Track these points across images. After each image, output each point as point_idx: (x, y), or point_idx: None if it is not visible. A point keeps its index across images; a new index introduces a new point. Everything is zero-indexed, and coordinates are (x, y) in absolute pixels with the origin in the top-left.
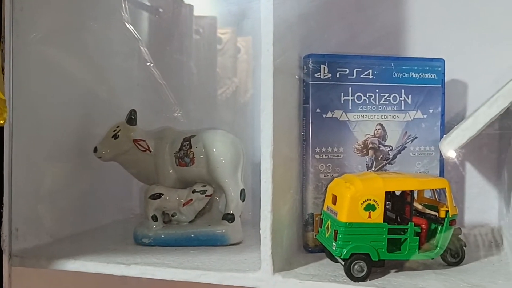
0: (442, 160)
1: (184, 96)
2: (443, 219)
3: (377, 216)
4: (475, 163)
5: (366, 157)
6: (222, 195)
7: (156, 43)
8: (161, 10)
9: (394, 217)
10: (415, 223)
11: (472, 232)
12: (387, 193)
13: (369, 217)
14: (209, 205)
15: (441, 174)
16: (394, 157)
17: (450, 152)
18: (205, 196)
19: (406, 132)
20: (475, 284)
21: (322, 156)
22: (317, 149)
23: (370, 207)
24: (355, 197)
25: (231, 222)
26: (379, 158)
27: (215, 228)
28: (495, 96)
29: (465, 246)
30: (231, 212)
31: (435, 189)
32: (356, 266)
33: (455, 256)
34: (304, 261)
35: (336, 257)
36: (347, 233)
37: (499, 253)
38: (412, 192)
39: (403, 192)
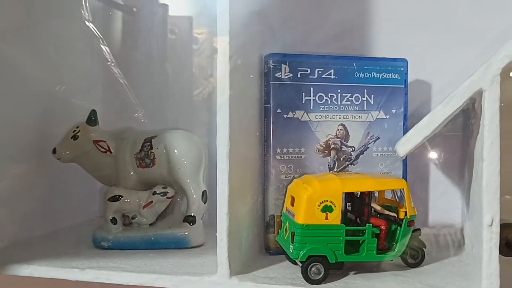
0: (405, 161)
1: (157, 96)
2: (402, 220)
3: (335, 217)
4: (439, 163)
5: (328, 157)
6: (184, 197)
7: (128, 43)
8: (135, 9)
9: (354, 218)
10: (373, 224)
11: (435, 232)
12: (346, 194)
13: (326, 218)
14: (170, 208)
15: (404, 174)
16: (357, 157)
17: (405, 152)
18: (166, 198)
19: (368, 132)
20: (432, 285)
21: (283, 157)
22: (278, 150)
23: (327, 209)
24: (312, 199)
25: (192, 224)
26: (341, 159)
27: (176, 231)
28: (450, 95)
29: (425, 247)
30: (192, 214)
31: (395, 190)
32: (313, 269)
33: (414, 257)
34: (264, 264)
35: (293, 259)
36: (304, 235)
37: (461, 253)
38: (370, 193)
39: (362, 193)
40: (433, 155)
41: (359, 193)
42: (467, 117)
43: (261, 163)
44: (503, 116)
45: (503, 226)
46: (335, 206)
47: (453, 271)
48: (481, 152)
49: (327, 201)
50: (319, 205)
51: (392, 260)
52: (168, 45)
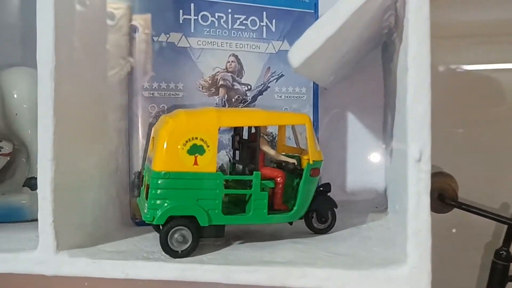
0: (316, 105)
1: None
2: (302, 169)
3: (208, 162)
4: (359, 113)
5: (216, 97)
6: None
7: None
8: None
9: (242, 170)
10: (266, 176)
11: (353, 198)
12: (234, 138)
13: (196, 163)
14: (11, 169)
15: (316, 123)
16: (254, 99)
17: (299, 61)
18: (1, 155)
19: (269, 67)
20: (339, 252)
21: (152, 94)
22: (146, 85)
23: (196, 150)
24: (174, 135)
25: (34, 190)
26: (233, 100)
27: (11, 199)
28: None
29: (336, 207)
30: (35, 176)
31: (296, 131)
32: (176, 235)
33: (322, 221)
34: (123, 236)
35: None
36: (162, 187)
37: (382, 218)
38: (258, 129)
39: (252, 135)
40: (351, 103)
41: (248, 135)
42: (387, 50)
43: (123, 102)
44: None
45: (435, 175)
46: (208, 147)
47: (369, 236)
48: (405, 60)
49: (197, 138)
50: (184, 145)
51: (291, 224)
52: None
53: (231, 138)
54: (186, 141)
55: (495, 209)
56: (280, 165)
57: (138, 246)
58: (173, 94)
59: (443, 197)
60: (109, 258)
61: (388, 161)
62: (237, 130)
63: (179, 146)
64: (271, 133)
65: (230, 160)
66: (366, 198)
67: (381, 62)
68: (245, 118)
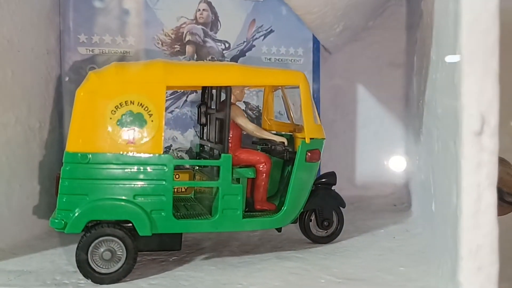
0: (317, 72)
1: None
2: (295, 153)
3: (150, 139)
4: (373, 84)
5: (181, 57)
6: None
7: None
8: None
9: (209, 153)
10: (243, 161)
11: (365, 193)
12: (200, 113)
13: (131, 141)
14: None
15: (317, 97)
16: (234, 60)
17: None
18: None
19: (254, 20)
20: (347, 276)
21: (92, 51)
22: (83, 39)
23: (132, 120)
24: (96, 98)
25: None
26: (205, 61)
27: None
28: None
29: (344, 207)
30: None
31: (287, 99)
32: (101, 251)
33: (324, 226)
34: (40, 247)
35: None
36: (77, 177)
37: (405, 220)
38: (228, 91)
39: (221, 103)
40: (363, 71)
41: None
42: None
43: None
44: None
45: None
46: (150, 116)
47: (391, 247)
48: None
49: (132, 103)
50: (113, 112)
51: (279, 230)
52: None
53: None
54: (116, 107)
55: None
56: (266, 147)
57: (56, 263)
58: (120, 52)
59: (502, 192)
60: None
61: (413, 143)
62: (205, 98)
63: (105, 115)
64: (257, 107)
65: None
66: (382, 194)
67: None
68: (209, 74)
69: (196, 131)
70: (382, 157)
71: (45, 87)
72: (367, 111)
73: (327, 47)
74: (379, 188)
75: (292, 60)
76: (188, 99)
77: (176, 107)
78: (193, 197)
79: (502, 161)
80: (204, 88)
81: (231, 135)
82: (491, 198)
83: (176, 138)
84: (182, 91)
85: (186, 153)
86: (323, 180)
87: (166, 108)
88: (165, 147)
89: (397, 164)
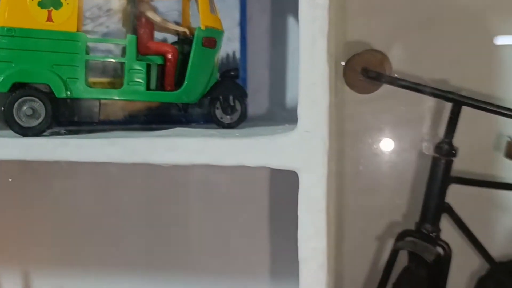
0: None
1: None
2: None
3: (66, 19)
4: None
5: None
6: None
7: None
8: None
9: None
10: (153, 50)
11: None
12: None
13: (49, 19)
14: None
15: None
16: None
17: None
18: None
19: None
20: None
21: None
22: None
23: (50, 2)
24: None
25: None
26: None
27: None
28: None
29: (246, 97)
30: None
31: None
32: (24, 108)
33: (228, 112)
34: None
35: None
36: (5, 47)
37: None
38: None
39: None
40: None
41: None
42: None
43: None
44: None
45: (363, 52)
46: None
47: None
48: None
49: None
50: None
51: (186, 111)
52: None
53: None
54: None
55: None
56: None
57: None
58: None
59: (367, 70)
60: None
61: None
62: None
63: None
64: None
65: None
66: None
67: None
68: None
69: None
70: None
71: None
72: None
73: None
74: None
75: None
76: None
77: None
78: None
79: (375, 51)
80: None
81: (143, 28)
82: (322, 44)
83: None
84: None
85: None
86: (232, 73)
87: None
88: None
89: None
